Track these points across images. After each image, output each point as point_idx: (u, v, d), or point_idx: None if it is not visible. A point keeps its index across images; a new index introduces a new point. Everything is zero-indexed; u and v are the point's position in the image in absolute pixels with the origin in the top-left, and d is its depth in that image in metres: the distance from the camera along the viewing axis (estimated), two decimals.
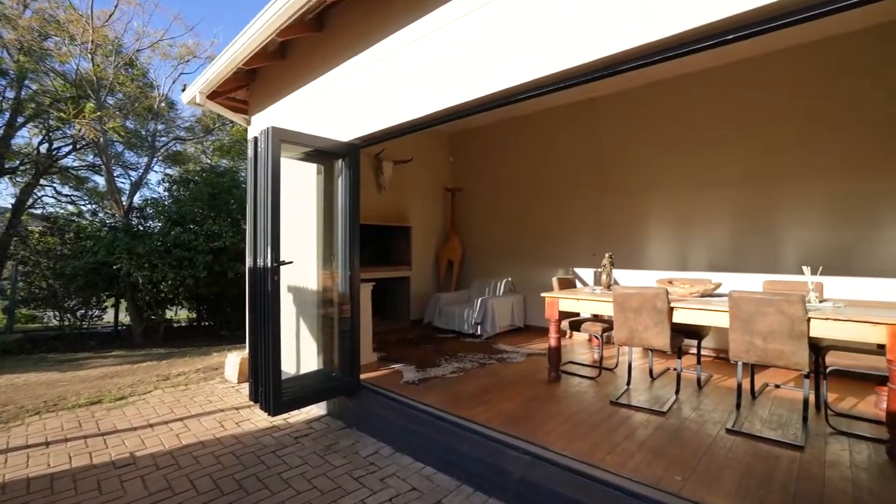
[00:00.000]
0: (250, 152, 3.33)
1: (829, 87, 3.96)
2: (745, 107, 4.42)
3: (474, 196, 7.07)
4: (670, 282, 3.67)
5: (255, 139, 3.27)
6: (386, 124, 3.24)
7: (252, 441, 3.26)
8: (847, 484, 2.18)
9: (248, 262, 3.37)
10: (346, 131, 3.64)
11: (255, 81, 5.07)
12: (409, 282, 6.77)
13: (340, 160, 3.72)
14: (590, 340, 5.31)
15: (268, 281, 3.10)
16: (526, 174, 6.34)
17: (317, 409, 3.93)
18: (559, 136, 5.94)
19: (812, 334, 2.55)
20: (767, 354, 2.65)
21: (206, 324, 10.26)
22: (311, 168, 4.03)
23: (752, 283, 4.33)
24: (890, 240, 3.71)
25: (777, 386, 3.61)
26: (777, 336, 2.59)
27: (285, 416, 3.77)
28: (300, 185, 4.21)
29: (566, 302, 3.73)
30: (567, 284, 4.36)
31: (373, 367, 4.44)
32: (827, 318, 2.49)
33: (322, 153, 3.74)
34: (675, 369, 3.59)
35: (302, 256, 4.18)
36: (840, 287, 3.87)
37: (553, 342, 3.82)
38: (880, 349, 2.61)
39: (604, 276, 3.95)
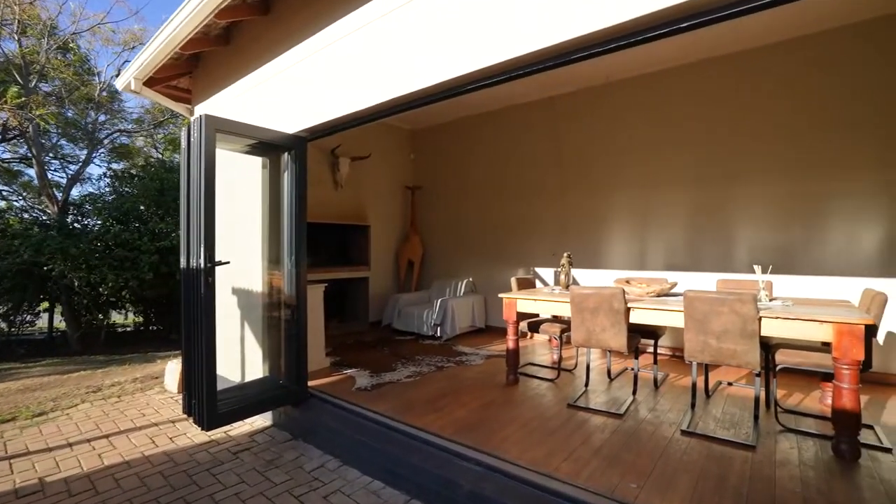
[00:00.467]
0: (183, 142, 3.04)
1: (784, 88, 4.06)
2: (702, 107, 4.48)
3: (435, 194, 6.92)
4: (627, 281, 3.64)
5: (188, 128, 2.99)
6: (333, 115, 3.03)
7: (185, 458, 2.98)
8: (797, 483, 2.16)
9: (182, 262, 3.08)
10: (292, 123, 3.40)
11: (198, 68, 4.72)
12: (368, 282, 6.54)
13: (286, 153, 3.48)
14: (550, 341, 5.27)
15: (201, 283, 2.83)
16: (487, 173, 6.25)
17: (262, 420, 3.67)
18: (520, 134, 5.88)
19: (763, 333, 2.55)
20: (721, 354, 2.63)
21: (155, 328, 9.64)
22: (256, 162, 3.76)
23: (706, 282, 4.39)
24: (833, 240, 3.83)
25: (730, 384, 3.64)
26: (730, 335, 2.58)
27: (226, 428, 3.49)
28: (245, 180, 3.93)
29: (524, 303, 3.63)
30: (526, 284, 4.28)
31: (325, 372, 4.21)
32: (777, 317, 2.49)
33: (267, 146, 3.48)
34: (632, 369, 3.56)
35: (247, 256, 3.90)
36: (788, 285, 3.96)
37: (511, 344, 3.72)
38: (825, 346, 2.64)
39: (562, 276, 3.88)
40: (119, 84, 4.45)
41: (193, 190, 2.91)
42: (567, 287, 3.92)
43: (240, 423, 3.61)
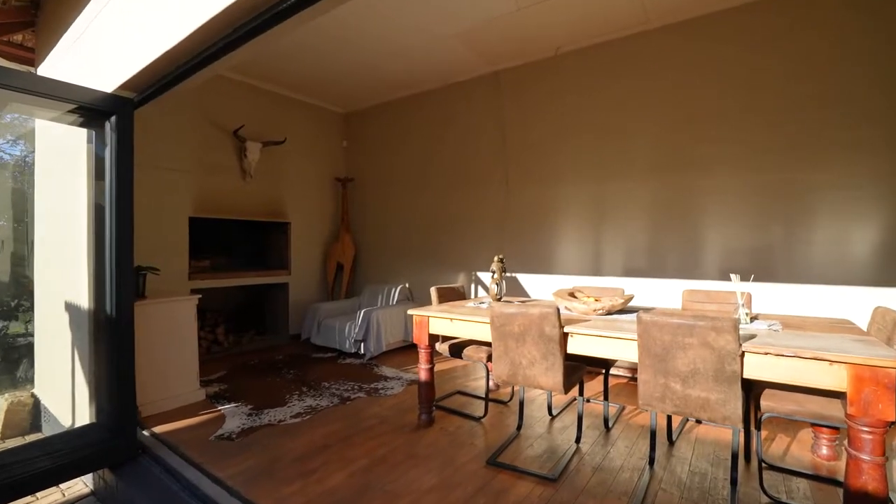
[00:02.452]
0: None
1: (760, 56, 3.35)
2: (662, 82, 3.74)
3: (370, 187, 6.00)
4: (572, 293, 2.84)
5: None
6: (145, 61, 2.10)
7: None
8: None
9: None
10: (110, 78, 2.44)
11: (39, 18, 3.68)
12: (288, 289, 5.57)
13: (107, 122, 2.51)
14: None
15: None
16: (426, 162, 5.38)
17: (82, 484, 2.69)
18: (462, 117, 5.04)
19: (747, 374, 1.77)
20: (688, 403, 1.84)
21: None
22: (81, 136, 2.77)
23: (670, 292, 3.65)
24: (821, 240, 3.13)
25: (698, 421, 2.89)
26: (701, 378, 1.78)
27: (28, 498, 2.50)
28: (69, 160, 2.94)
29: (439, 322, 2.77)
30: (452, 296, 3.43)
31: (193, 410, 3.25)
32: (767, 353, 1.71)
33: (91, 112, 2.50)
34: (580, 399, 2.76)
35: (72, 261, 2.91)
36: (767, 296, 3.25)
37: (423, 375, 2.85)
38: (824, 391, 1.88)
39: (493, 286, 3.05)
40: None
41: None
42: (500, 299, 3.09)
43: (52, 488, 2.63)
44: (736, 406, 1.75)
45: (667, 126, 3.73)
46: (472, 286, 4.95)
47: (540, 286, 4.44)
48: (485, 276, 4.85)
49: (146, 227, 4.22)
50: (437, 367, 4.24)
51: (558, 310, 2.15)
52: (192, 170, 4.59)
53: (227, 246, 5.44)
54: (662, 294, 3.71)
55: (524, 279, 4.54)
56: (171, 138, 4.43)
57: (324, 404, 3.35)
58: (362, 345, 4.66)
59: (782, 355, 1.68)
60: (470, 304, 3.09)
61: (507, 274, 4.64)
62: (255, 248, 5.81)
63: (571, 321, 2.34)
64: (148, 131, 4.25)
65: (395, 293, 5.32)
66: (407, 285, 5.51)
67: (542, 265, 4.43)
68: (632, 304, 2.99)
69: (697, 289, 3.00)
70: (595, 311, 2.50)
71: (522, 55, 4.42)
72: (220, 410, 3.24)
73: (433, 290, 3.28)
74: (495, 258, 3.08)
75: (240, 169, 5.01)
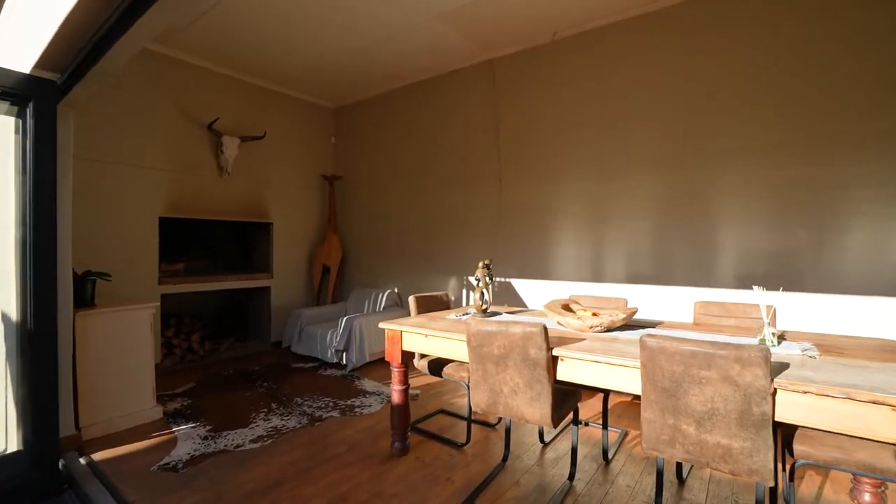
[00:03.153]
0: None
1: (783, 39, 2.96)
2: (671, 72, 3.36)
3: (358, 186, 5.66)
4: (567, 306, 2.47)
5: None
6: (55, 26, 1.77)
7: None
8: None
9: None
10: (28, 55, 2.12)
11: None
12: (270, 293, 5.24)
13: (27, 108, 2.18)
14: None
15: None
16: (417, 158, 5.03)
17: None
18: (454, 110, 4.68)
19: (779, 416, 1.40)
20: (704, 451, 1.47)
21: None
22: (9, 124, 2.45)
23: (680, 301, 3.27)
24: (855, 244, 2.73)
25: None
26: (721, 421, 1.41)
27: None
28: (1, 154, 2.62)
29: (413, 338, 2.42)
30: (434, 305, 3.07)
31: (146, 430, 2.93)
32: (807, 393, 1.34)
33: (8, 96, 2.18)
34: (574, 428, 2.39)
35: (3, 268, 2.58)
36: (790, 310, 2.86)
37: (396, 397, 2.50)
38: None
39: (476, 295, 2.69)
40: None
41: None
42: (486, 310, 2.73)
43: None
44: (766, 457, 1.37)
45: (675, 118, 3.34)
46: (464, 292, 4.59)
47: (536, 293, 4.07)
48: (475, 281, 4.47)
49: (107, 229, 3.92)
50: (423, 381, 3.90)
51: (545, 329, 1.79)
52: (164, 167, 4.28)
53: (207, 248, 5.13)
54: (671, 305, 3.33)
55: (519, 285, 4.18)
56: (139, 133, 4.12)
57: (291, 425, 3.01)
58: (344, 355, 4.32)
59: (828, 395, 1.31)
60: (451, 315, 2.73)
61: (500, 279, 4.28)
62: (238, 250, 5.50)
63: (564, 340, 1.98)
64: (110, 124, 3.95)
65: (383, 299, 4.97)
66: (396, 290, 5.17)
67: (539, 270, 4.06)
68: (636, 316, 2.62)
69: (711, 300, 2.62)
70: (592, 327, 2.13)
71: (517, 41, 4.06)
72: (173, 432, 2.91)
73: (412, 300, 2.93)
74: (480, 264, 2.71)
75: (217, 166, 4.69)
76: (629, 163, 3.56)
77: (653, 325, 2.38)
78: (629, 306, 2.68)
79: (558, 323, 2.26)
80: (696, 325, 2.36)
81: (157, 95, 4.22)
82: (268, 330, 5.25)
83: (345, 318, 4.40)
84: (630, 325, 2.35)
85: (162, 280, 4.29)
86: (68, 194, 2.64)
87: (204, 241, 5.10)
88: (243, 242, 5.52)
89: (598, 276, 3.73)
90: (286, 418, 3.13)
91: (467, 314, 2.77)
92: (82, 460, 2.52)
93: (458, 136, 4.65)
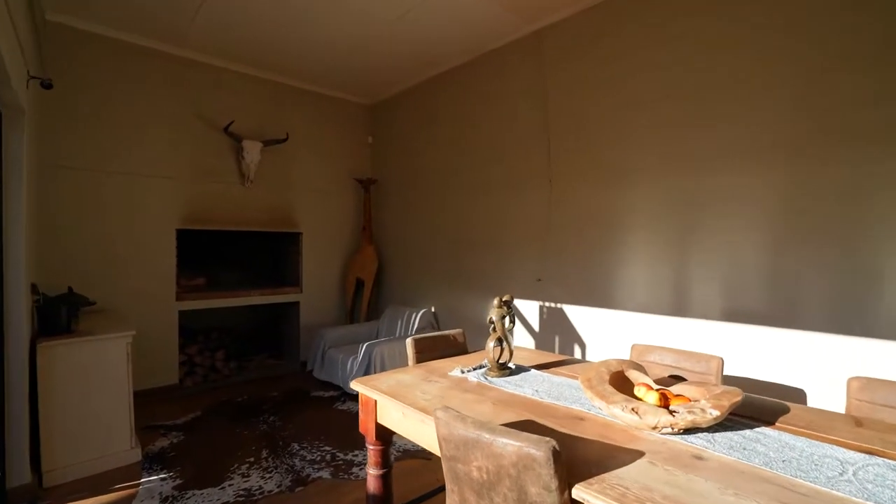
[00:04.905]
0: None
1: None
2: (790, 16, 2.28)
3: (395, 189, 5.07)
4: (621, 373, 1.58)
5: None
6: None
7: None
8: None
9: None
10: None
11: None
12: (299, 309, 4.84)
13: None
14: None
15: None
16: (456, 157, 4.30)
17: None
18: (498, 98, 3.88)
19: None
20: None
21: None
22: None
23: (813, 355, 2.19)
24: None
25: None
26: None
27: None
28: None
29: (389, 411, 1.70)
30: (445, 348, 2.31)
31: (112, 478, 2.56)
32: None
33: None
34: None
35: None
36: None
37: (371, 486, 1.80)
38: None
39: (491, 343, 1.89)
40: None
41: None
42: (505, 365, 1.93)
43: None
44: None
45: (813, 80, 2.26)
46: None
47: (595, 325, 3.14)
48: (522, 306, 3.64)
49: (117, 244, 3.70)
50: None
51: (555, 453, 0.97)
52: (180, 175, 4.01)
53: (231, 261, 4.88)
54: (797, 362, 2.25)
55: (574, 314, 3.27)
56: (154, 141, 3.89)
57: (268, 488, 2.44)
58: None
59: None
60: (456, 371, 1.96)
61: (550, 304, 3.41)
62: (265, 262, 5.20)
63: (606, 445, 1.14)
64: (120, 133, 3.73)
65: (416, 320, 4.32)
66: (433, 309, 4.50)
67: (598, 295, 3.13)
68: (746, 412, 1.65)
69: (881, 376, 1.57)
70: (658, 427, 1.25)
71: (568, 1, 3.17)
72: (138, 486, 2.49)
73: (409, 344, 2.20)
74: (495, 301, 1.92)
75: (238, 172, 4.36)
76: (733, 149, 2.52)
77: (771, 415, 1.42)
78: (732, 390, 1.72)
79: (601, 407, 1.40)
80: (860, 425, 1.35)
81: (172, 100, 3.96)
82: (297, 349, 4.85)
83: (365, 345, 3.81)
84: (734, 415, 1.41)
85: (179, 295, 4.03)
86: (19, 209, 2.31)
87: (227, 253, 4.85)
88: (270, 254, 5.21)
89: (680, 309, 2.73)
90: (268, 476, 2.58)
91: (481, 367, 1.99)
92: None
93: (498, 127, 3.85)
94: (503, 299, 1.96)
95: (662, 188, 2.81)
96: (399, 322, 4.49)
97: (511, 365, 2.00)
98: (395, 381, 1.83)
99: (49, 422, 2.48)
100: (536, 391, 1.69)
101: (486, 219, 3.98)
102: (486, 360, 2.01)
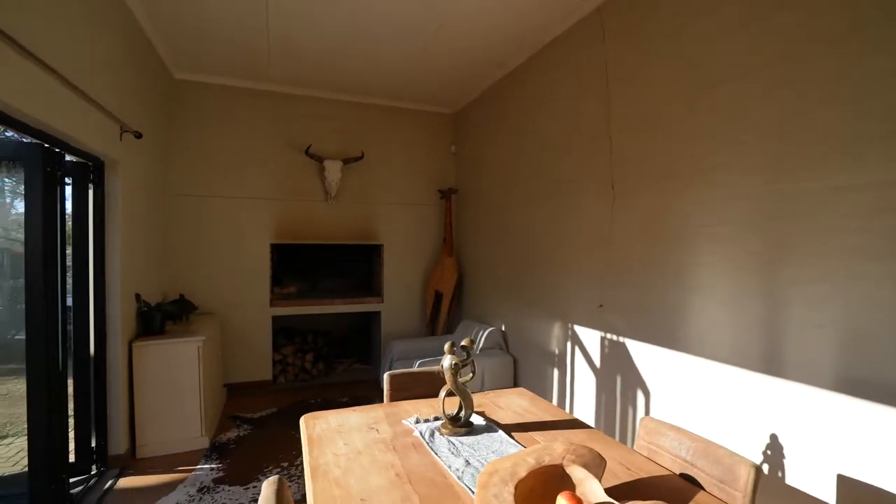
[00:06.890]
0: None
1: None
2: None
3: (475, 198, 4.87)
4: (563, 470, 1.15)
5: None
6: None
7: None
8: None
9: None
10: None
11: None
12: (380, 319, 5.02)
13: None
14: None
15: None
16: (521, 162, 3.91)
17: None
18: (558, 93, 3.38)
19: None
20: None
21: None
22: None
23: None
24: None
25: None
26: None
27: None
28: None
29: (307, 454, 1.57)
30: (424, 386, 2.05)
31: (180, 460, 3.03)
32: None
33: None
34: None
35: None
36: None
37: None
38: None
39: (442, 394, 1.59)
40: None
41: None
42: (456, 423, 1.62)
43: None
44: None
45: None
46: (568, 346, 3.26)
47: (661, 369, 2.47)
48: (583, 334, 3.10)
49: (222, 257, 4.35)
50: None
51: None
52: (272, 196, 4.53)
53: (318, 272, 5.42)
54: None
55: (636, 350, 2.64)
56: (250, 167, 4.46)
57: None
58: None
59: None
60: (411, 420, 1.72)
61: (611, 337, 2.82)
62: (349, 272, 5.59)
63: None
64: (222, 162, 4.37)
65: (482, 338, 4.07)
66: (503, 328, 4.18)
67: (665, 331, 2.45)
68: None
69: None
70: None
71: None
72: (191, 471, 2.85)
73: (386, 378, 2.03)
74: (446, 346, 1.62)
75: (323, 190, 4.73)
76: (859, 135, 1.69)
77: None
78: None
79: None
80: None
81: (265, 129, 4.49)
82: (379, 357, 5.04)
83: (419, 362, 3.73)
84: None
85: (273, 302, 4.56)
86: (116, 237, 2.86)
87: (319, 264, 5.35)
88: (357, 265, 5.54)
89: (773, 363, 1.94)
90: (290, 482, 2.68)
91: (438, 422, 1.70)
92: (111, 482, 2.66)
93: (558, 127, 3.35)
94: (462, 344, 1.66)
95: (744, 194, 2.04)
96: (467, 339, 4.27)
97: (475, 420, 1.68)
98: (339, 423, 1.70)
99: (141, 405, 3.03)
100: (466, 467, 1.36)
101: (544, 231, 3.51)
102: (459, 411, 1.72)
